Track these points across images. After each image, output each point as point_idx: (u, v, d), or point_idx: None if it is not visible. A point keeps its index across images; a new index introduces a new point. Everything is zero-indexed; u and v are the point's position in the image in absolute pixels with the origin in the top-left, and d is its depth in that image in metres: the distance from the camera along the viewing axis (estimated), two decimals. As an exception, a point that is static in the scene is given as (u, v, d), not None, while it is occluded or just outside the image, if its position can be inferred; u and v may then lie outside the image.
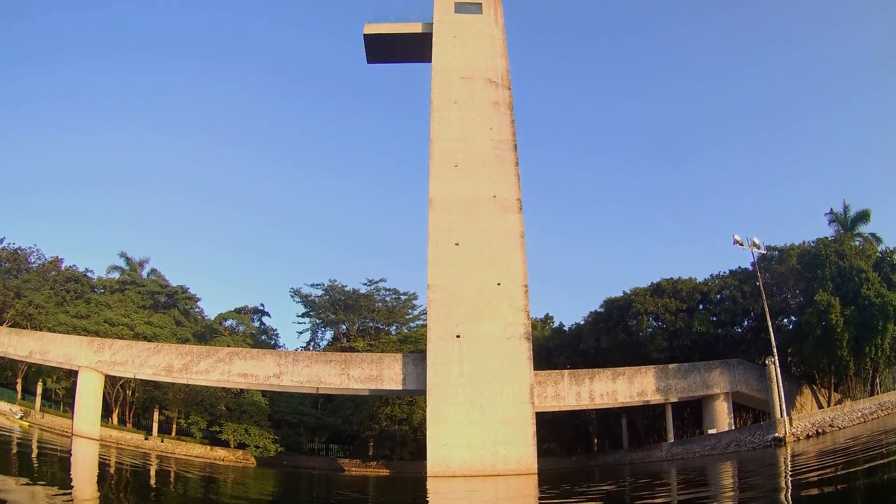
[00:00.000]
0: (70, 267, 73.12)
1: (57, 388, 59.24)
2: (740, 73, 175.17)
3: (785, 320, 53.28)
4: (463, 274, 43.77)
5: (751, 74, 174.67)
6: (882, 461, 19.40)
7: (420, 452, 52.71)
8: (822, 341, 44.92)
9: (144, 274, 78.26)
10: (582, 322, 65.97)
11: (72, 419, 47.56)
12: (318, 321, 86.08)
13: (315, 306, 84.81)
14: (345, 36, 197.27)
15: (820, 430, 39.37)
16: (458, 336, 42.41)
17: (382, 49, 57.88)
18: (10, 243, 72.09)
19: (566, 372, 48.43)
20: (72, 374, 50.54)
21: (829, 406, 47.07)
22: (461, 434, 40.07)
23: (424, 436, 42.60)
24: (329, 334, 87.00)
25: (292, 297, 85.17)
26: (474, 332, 42.41)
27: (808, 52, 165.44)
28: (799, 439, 38.50)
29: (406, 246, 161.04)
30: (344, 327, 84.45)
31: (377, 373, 44.74)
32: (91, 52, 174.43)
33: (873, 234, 55.07)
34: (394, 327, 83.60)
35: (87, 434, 45.47)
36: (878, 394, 47.74)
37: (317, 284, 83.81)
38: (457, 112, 48.68)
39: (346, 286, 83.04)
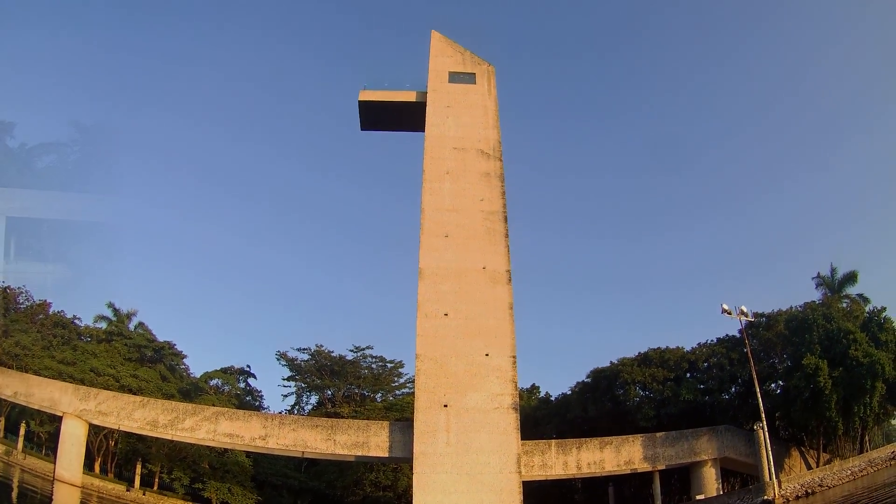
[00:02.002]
0: (58, 312, 72.66)
1: (40, 432, 58.27)
2: (724, 145, 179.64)
3: (773, 385, 53.41)
4: (451, 344, 44.04)
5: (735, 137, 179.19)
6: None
7: (404, 520, 52.03)
8: (810, 404, 45.13)
9: (132, 326, 77.42)
10: (569, 392, 66.32)
11: (54, 464, 46.94)
12: (303, 385, 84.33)
13: (301, 370, 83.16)
14: (337, 103, 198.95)
15: (809, 491, 39.72)
16: (445, 406, 42.48)
17: (376, 116, 59.09)
18: None
19: (553, 441, 48.18)
20: (55, 419, 50.03)
21: (818, 466, 47.25)
22: (447, 503, 39.82)
23: (409, 503, 42.20)
24: (314, 399, 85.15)
25: (278, 360, 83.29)
26: (462, 402, 42.50)
27: (793, 117, 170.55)
28: (788, 501, 38.84)
29: (394, 314, 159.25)
30: (329, 393, 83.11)
31: (364, 439, 44.45)
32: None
33: (861, 295, 56.17)
34: (380, 395, 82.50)
35: (69, 480, 45.09)
36: (867, 451, 48.02)
37: (303, 349, 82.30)
38: (448, 183, 49.56)
39: (332, 352, 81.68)
